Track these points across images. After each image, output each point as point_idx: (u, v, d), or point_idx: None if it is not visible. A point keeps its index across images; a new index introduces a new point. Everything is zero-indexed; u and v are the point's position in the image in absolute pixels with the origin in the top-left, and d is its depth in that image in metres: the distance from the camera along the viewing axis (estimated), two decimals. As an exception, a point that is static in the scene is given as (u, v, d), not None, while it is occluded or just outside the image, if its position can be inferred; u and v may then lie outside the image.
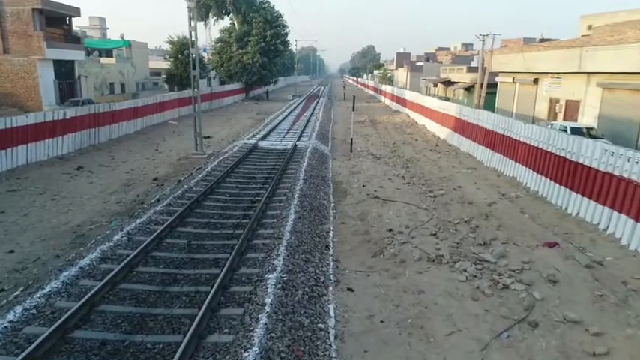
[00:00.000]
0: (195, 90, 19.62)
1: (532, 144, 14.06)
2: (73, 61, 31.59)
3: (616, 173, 10.07)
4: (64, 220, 10.81)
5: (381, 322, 6.61)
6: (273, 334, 5.65)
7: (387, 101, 50.63)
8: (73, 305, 6.01)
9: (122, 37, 46.67)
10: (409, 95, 38.07)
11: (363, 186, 14.30)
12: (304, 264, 7.97)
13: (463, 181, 15.17)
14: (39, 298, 6.37)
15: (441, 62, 65.06)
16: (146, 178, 15.13)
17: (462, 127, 21.43)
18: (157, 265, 7.77)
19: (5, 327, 5.65)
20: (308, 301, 6.81)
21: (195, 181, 13.25)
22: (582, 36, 26.08)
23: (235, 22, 51.10)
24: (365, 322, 6.62)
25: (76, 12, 31.64)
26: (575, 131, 16.96)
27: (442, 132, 25.00)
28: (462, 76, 41.98)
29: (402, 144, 23.04)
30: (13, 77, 28.01)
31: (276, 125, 27.57)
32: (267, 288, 6.71)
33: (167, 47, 43.09)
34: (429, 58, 71.04)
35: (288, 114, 35.17)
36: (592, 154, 10.96)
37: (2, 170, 14.77)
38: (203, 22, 52.82)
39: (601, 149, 10.67)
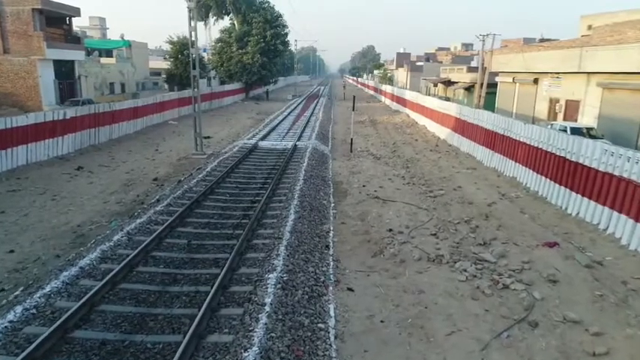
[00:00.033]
0: (195, 90, 19.62)
1: (532, 144, 14.06)
2: (73, 61, 31.59)
3: (616, 173, 10.07)
4: (64, 220, 10.81)
5: (381, 322, 6.61)
6: (273, 334, 5.65)
7: (387, 101, 50.63)
8: (73, 305, 6.01)
9: (122, 37, 46.69)
10: (409, 95, 38.07)
11: (363, 186, 14.30)
12: (304, 264, 7.97)
13: (463, 181, 15.17)
14: (39, 298, 6.36)
15: (441, 62, 65.08)
16: (146, 178, 15.13)
17: (462, 127, 21.44)
18: (157, 265, 7.77)
19: (5, 327, 5.65)
20: (308, 301, 6.81)
21: (195, 181, 13.25)
22: (582, 36, 26.09)
23: (235, 22, 51.11)
24: (365, 322, 6.62)
25: (76, 12, 31.65)
26: (575, 131, 16.96)
27: (442, 132, 25.00)
28: (462, 76, 41.98)
29: (402, 144, 23.04)
30: (13, 77, 28.02)
31: (276, 125, 27.57)
32: (267, 288, 6.71)
33: (167, 47, 43.11)
34: (429, 58, 71.05)
35: (288, 114, 35.17)
36: (592, 154, 10.96)
37: (2, 170, 14.77)
38: (203, 22, 52.86)
39: (601, 149, 10.67)
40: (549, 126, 17.91)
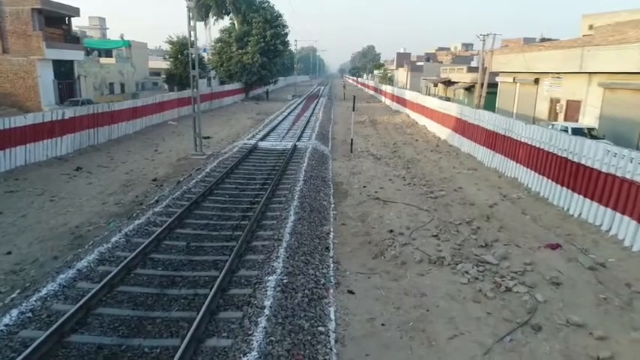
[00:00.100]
0: (195, 90, 19.54)
1: (533, 144, 13.98)
2: (72, 61, 31.51)
3: (619, 174, 9.98)
4: (63, 221, 10.72)
5: (382, 325, 6.52)
6: (272, 338, 5.57)
7: (387, 101, 50.55)
8: (70, 308, 5.93)
9: (122, 37, 46.60)
10: (409, 95, 37.99)
11: (364, 187, 14.22)
12: (304, 266, 7.88)
13: (464, 182, 15.08)
14: (35, 301, 6.28)
15: (441, 62, 65.01)
16: (145, 179, 15.05)
17: (462, 128, 21.35)
18: (156, 267, 7.69)
19: (1, 331, 5.56)
20: (308, 304, 6.72)
21: (194, 181, 13.17)
22: (584, 36, 26.01)
23: (235, 22, 51.03)
24: (366, 325, 6.53)
25: (76, 12, 31.56)
26: (577, 132, 16.87)
27: (443, 132, 24.92)
28: (462, 76, 41.91)
29: (402, 144, 22.96)
30: (12, 77, 27.93)
31: (276, 125, 27.49)
32: (266, 291, 6.62)
33: (167, 47, 43.01)
34: (429, 58, 70.98)
35: (288, 114, 35.09)
36: (594, 155, 10.87)
37: (0, 171, 14.67)
38: (203, 22, 52.81)
39: (603, 150, 10.59)
40: (550, 126, 17.83)
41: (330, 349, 5.84)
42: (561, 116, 24.02)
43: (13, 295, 6.86)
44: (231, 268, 7.37)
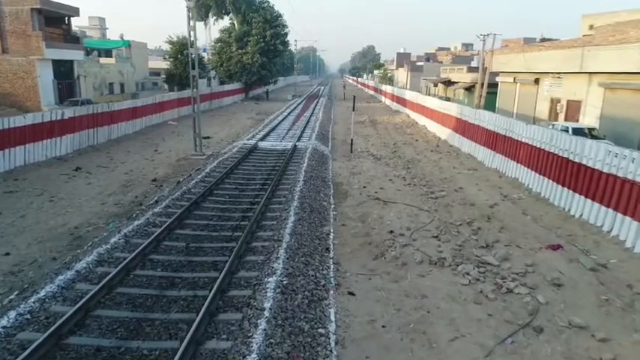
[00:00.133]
0: (195, 90, 19.49)
1: (534, 144, 13.94)
2: (72, 61, 31.47)
3: (620, 174, 9.94)
4: (62, 222, 10.68)
5: (383, 327, 6.48)
6: (272, 340, 5.53)
7: (387, 101, 50.51)
8: (68, 310, 5.88)
9: (121, 37, 46.54)
10: (409, 95, 37.95)
11: (364, 187, 14.17)
12: (304, 267, 7.84)
13: (464, 182, 15.04)
14: (33, 302, 6.23)
15: (441, 62, 64.95)
16: (145, 179, 15.00)
17: (462, 128, 21.31)
18: (155, 268, 7.64)
19: (-2, 333, 5.51)
20: (308, 305, 6.68)
21: (194, 182, 13.13)
22: (584, 35, 25.98)
23: (235, 22, 50.98)
24: (366, 327, 6.49)
25: (75, 12, 31.53)
26: (577, 132, 16.82)
27: (443, 132, 24.87)
28: (462, 76, 41.86)
29: (402, 144, 22.92)
30: (12, 77, 27.90)
31: (276, 125, 27.45)
32: (266, 292, 6.58)
33: (167, 47, 42.97)
34: (429, 58, 70.92)
35: (288, 114, 35.04)
36: (595, 155, 10.83)
37: (0, 171, 14.63)
38: (203, 22, 52.78)
39: (605, 150, 10.54)
40: (550, 126, 17.79)
41: (331, 351, 5.80)
42: (562, 116, 23.98)
43: (12, 297, 6.81)
44: (231, 270, 7.33)
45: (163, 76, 44.21)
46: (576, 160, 11.62)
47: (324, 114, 35.77)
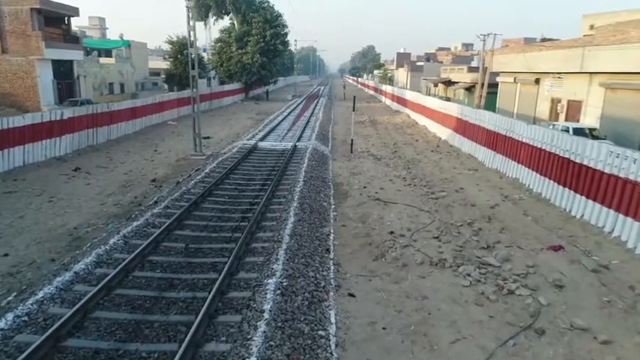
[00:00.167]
0: (194, 90, 19.45)
1: (535, 145, 13.89)
2: (71, 61, 31.43)
3: (622, 175, 9.89)
4: (61, 223, 10.63)
5: (384, 329, 6.43)
6: (272, 343, 5.48)
7: (388, 101, 50.47)
8: (67, 312, 5.84)
9: (121, 37, 46.47)
10: (409, 95, 37.91)
11: (364, 187, 14.13)
12: (304, 268, 7.79)
13: (465, 183, 14.99)
14: (31, 304, 6.18)
15: (442, 62, 64.90)
16: (144, 180, 14.96)
17: (463, 128, 21.26)
18: (154, 269, 7.60)
19: (-5, 335, 5.47)
20: (308, 307, 6.63)
21: (193, 182, 13.08)
22: (584, 35, 25.94)
23: (235, 22, 50.93)
24: (367, 329, 6.44)
25: (75, 12, 31.48)
26: (578, 132, 16.78)
27: (443, 132, 24.82)
28: (462, 76, 41.81)
29: (402, 144, 22.87)
30: (12, 77, 27.85)
31: (276, 125, 27.40)
32: (266, 294, 6.53)
33: (166, 47, 42.92)
34: (429, 58, 70.87)
35: (288, 114, 35.00)
36: (597, 156, 10.78)
37: (-1, 171, 14.62)
38: (203, 22, 52.70)
39: (606, 151, 10.49)
40: (551, 126, 17.75)
41: (331, 353, 5.75)
42: (562, 116, 23.93)
43: (10, 298, 6.77)
44: (230, 271, 7.28)
45: (163, 76, 44.15)
46: (577, 160, 11.57)
47: (324, 114, 35.72)
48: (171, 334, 5.77)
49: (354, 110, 21.58)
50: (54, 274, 7.21)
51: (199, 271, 7.62)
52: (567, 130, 16.77)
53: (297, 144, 19.74)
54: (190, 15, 18.69)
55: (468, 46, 75.38)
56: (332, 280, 7.78)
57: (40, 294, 6.44)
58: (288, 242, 8.48)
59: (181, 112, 32.05)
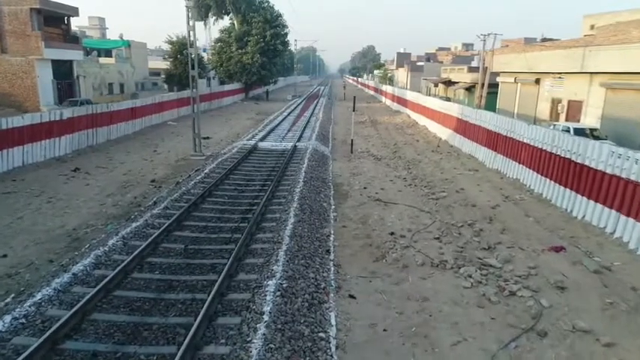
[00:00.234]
0: (194, 90, 19.40)
1: (536, 145, 13.83)
2: (71, 61, 31.38)
3: (623, 176, 9.84)
4: (60, 223, 10.58)
5: (384, 331, 6.38)
6: (272, 345, 5.43)
7: (388, 102, 50.41)
8: (65, 314, 5.79)
9: (121, 37, 46.43)
10: (410, 95, 37.86)
11: (364, 188, 14.08)
12: (304, 270, 7.74)
13: (466, 183, 14.94)
14: (29, 306, 6.13)
15: (442, 62, 64.84)
16: (144, 180, 14.90)
17: (463, 128, 21.20)
18: (153, 271, 7.54)
19: (-7, 338, 5.42)
20: (308, 309, 6.58)
21: (193, 182, 13.03)
22: (585, 36, 25.88)
23: (235, 22, 50.88)
24: (367, 331, 6.39)
25: (75, 12, 31.43)
26: (579, 132, 16.74)
27: (443, 133, 24.77)
28: (462, 76, 41.76)
29: (403, 145, 22.82)
30: (11, 77, 27.81)
31: (276, 126, 27.35)
32: (265, 296, 6.48)
33: (166, 47, 42.87)
34: (429, 58, 70.78)
35: (288, 114, 34.94)
36: (599, 156, 10.73)
37: (-2, 172, 14.56)
38: (203, 22, 52.64)
39: (608, 151, 10.44)
40: (552, 127, 17.69)
41: (331, 355, 5.70)
42: (563, 116, 23.89)
43: (7, 300, 6.71)
44: (230, 272, 7.23)
45: (163, 76, 44.09)
46: (579, 161, 11.52)
47: (324, 114, 35.67)
48: (170, 337, 5.72)
49: (354, 110, 21.53)
50: (52, 276, 7.16)
51: (199, 272, 7.56)
52: (568, 131, 16.72)
53: (297, 144, 19.68)
54: (190, 15, 18.64)
55: (468, 46, 75.30)
56: (332, 282, 7.73)
57: (38, 296, 6.39)
58: (288, 243, 8.43)
59: (181, 113, 32.00)
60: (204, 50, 56.75)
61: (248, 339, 5.49)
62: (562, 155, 12.30)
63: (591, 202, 10.89)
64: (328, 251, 9.01)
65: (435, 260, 8.65)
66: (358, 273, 8.17)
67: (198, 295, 6.70)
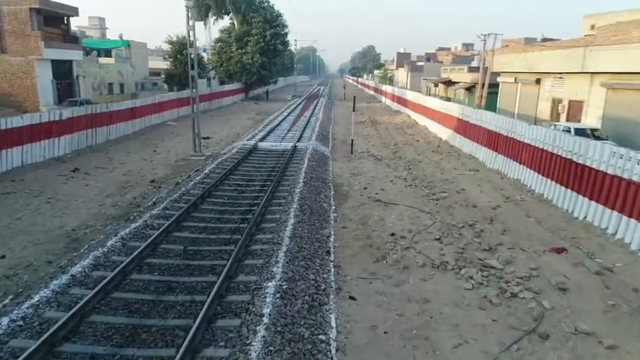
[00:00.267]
0: (194, 90, 19.35)
1: (537, 145, 13.79)
2: (71, 61, 31.32)
3: (625, 176, 9.79)
4: (59, 224, 10.53)
5: (385, 333, 6.33)
6: (271, 348, 5.38)
7: (388, 102, 50.37)
8: (63, 316, 5.74)
9: (121, 37, 46.37)
10: (410, 95, 37.81)
11: (365, 188, 14.03)
12: (304, 271, 7.69)
13: (466, 184, 14.89)
14: (27, 308, 6.08)
15: (442, 62, 64.79)
16: (143, 180, 14.85)
17: (464, 128, 21.16)
18: (152, 272, 7.49)
19: (-10, 340, 5.37)
20: (308, 310, 6.53)
21: (192, 183, 12.98)
22: (586, 35, 25.84)
23: (235, 22, 50.84)
24: (368, 333, 6.34)
25: (74, 12, 31.38)
26: (579, 132, 16.69)
27: (444, 133, 24.73)
28: (462, 76, 41.71)
29: (403, 145, 22.77)
30: (11, 77, 27.76)
31: (276, 126, 27.30)
32: (265, 297, 6.43)
33: (166, 47, 42.83)
34: (429, 58, 70.72)
35: (288, 114, 34.90)
36: (600, 157, 10.68)
37: (-3, 172, 14.51)
38: (203, 22, 52.60)
39: (609, 151, 10.39)
40: (552, 127, 17.64)
41: (331, 358, 5.66)
42: (563, 116, 23.84)
43: (5, 302, 6.66)
44: (230, 274, 7.18)
45: (163, 76, 44.04)
46: (580, 161, 11.47)
47: (324, 114, 35.62)
48: (169, 339, 5.67)
49: (354, 110, 21.48)
50: (50, 277, 7.12)
51: (198, 273, 7.51)
52: (569, 131, 16.67)
53: (297, 144, 19.64)
54: (190, 15, 18.59)
55: (468, 46, 75.25)
56: (332, 283, 7.68)
57: (36, 297, 6.34)
58: (288, 244, 8.38)
59: (181, 113, 31.95)
60: (204, 50, 56.71)
61: (247, 341, 5.45)
62: (563, 156, 12.25)
63: (592, 202, 10.84)
64: (328, 252, 8.96)
65: (436, 261, 8.60)
66: (358, 274, 8.13)
67: (198, 296, 6.65)
